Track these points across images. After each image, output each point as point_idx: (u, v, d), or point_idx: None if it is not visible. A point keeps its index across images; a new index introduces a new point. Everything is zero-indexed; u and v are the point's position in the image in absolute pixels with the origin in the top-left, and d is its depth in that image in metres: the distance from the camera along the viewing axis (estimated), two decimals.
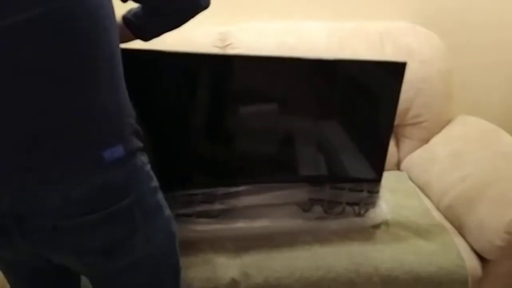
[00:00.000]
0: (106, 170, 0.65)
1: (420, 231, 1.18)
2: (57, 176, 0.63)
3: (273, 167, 1.15)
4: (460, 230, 1.19)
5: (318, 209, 1.15)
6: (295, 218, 1.13)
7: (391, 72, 1.07)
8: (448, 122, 1.54)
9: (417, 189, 1.39)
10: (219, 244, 1.11)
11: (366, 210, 1.16)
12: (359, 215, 1.15)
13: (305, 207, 1.13)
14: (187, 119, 1.07)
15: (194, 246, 1.09)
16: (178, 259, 0.83)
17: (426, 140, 1.52)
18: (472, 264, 1.11)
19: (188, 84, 1.04)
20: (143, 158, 0.72)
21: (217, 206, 1.10)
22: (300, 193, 1.13)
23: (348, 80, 1.09)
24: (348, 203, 1.15)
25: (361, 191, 1.14)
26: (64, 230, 0.65)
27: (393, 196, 1.22)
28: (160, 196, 0.76)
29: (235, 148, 1.13)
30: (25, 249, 0.69)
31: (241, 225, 1.11)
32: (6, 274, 0.84)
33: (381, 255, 1.10)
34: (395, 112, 1.10)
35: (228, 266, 1.06)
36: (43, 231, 0.65)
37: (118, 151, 0.65)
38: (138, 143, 0.71)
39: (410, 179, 1.46)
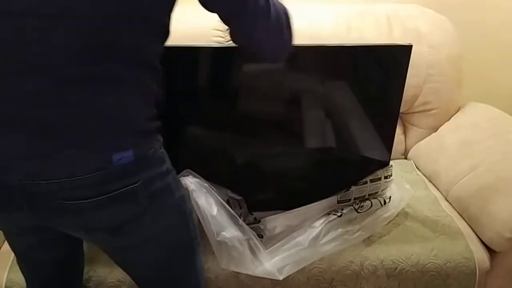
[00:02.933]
0: (114, 167, 0.66)
1: (428, 222, 1.15)
2: (66, 164, 0.65)
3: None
4: (469, 221, 1.15)
5: (348, 210, 1.09)
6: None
7: (397, 56, 1.01)
8: (457, 109, 1.50)
9: (425, 179, 1.36)
10: None
11: (389, 198, 1.12)
12: (385, 204, 1.11)
13: (338, 213, 1.08)
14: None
15: None
16: (194, 237, 0.84)
17: (435, 128, 1.48)
18: (480, 256, 1.07)
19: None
20: (155, 145, 0.72)
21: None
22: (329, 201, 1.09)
23: (353, 66, 1.03)
24: (370, 195, 1.11)
25: (379, 179, 1.11)
26: (70, 209, 0.67)
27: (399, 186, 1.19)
28: (172, 177, 0.76)
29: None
30: (34, 220, 0.72)
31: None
32: (11, 241, 0.85)
33: (386, 247, 1.07)
34: (401, 96, 1.05)
35: None
36: (49, 209, 0.68)
37: (127, 156, 0.67)
38: (153, 144, 0.72)
39: (417, 168, 1.43)
